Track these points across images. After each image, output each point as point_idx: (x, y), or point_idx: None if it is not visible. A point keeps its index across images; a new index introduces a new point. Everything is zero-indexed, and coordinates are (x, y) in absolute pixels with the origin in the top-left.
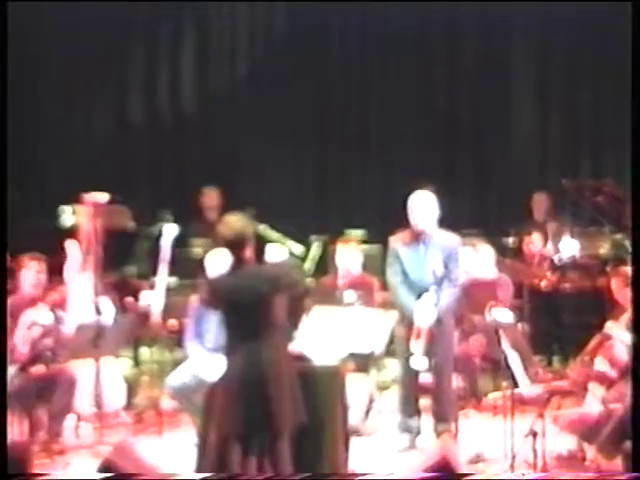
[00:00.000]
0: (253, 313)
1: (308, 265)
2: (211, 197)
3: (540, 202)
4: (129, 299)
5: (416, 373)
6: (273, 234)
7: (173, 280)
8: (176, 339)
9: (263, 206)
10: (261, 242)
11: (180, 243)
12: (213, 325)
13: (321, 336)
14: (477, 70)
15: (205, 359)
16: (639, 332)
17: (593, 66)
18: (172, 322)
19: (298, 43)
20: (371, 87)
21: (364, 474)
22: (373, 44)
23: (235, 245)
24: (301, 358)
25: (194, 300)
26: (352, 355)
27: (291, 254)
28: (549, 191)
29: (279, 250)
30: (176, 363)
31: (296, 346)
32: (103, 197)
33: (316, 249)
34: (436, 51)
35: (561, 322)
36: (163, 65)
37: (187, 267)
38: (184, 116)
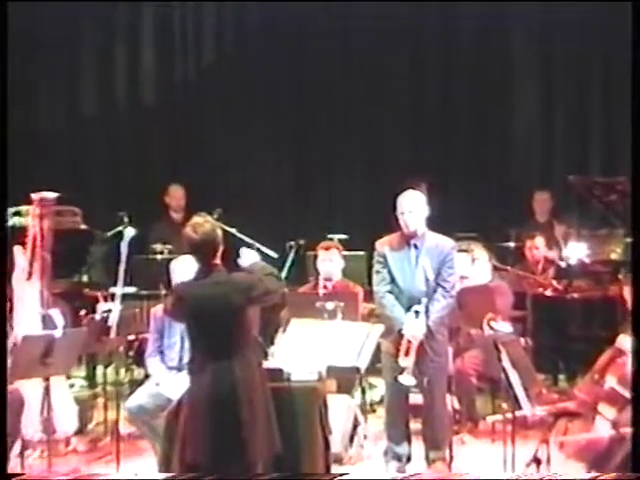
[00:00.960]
0: (223, 326)
1: (284, 273)
2: (176, 196)
3: (543, 201)
4: (82, 311)
5: (405, 393)
6: (245, 238)
7: (132, 290)
8: (135, 356)
9: (234, 207)
10: (232, 247)
11: (140, 248)
12: (177, 340)
13: (299, 352)
14: (474, 62)
15: (168, 378)
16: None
17: (596, 59)
18: (131, 337)
19: (272, 35)
20: (356, 81)
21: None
22: (358, 36)
23: (203, 250)
24: (276, 377)
25: (156, 312)
26: (334, 373)
27: (265, 260)
28: (553, 189)
29: (252, 256)
30: (135, 383)
31: (271, 363)
32: (51, 196)
33: (293, 255)
34: (430, 43)
35: (568, 336)
36: (120, 56)
37: (148, 275)
38: (144, 109)
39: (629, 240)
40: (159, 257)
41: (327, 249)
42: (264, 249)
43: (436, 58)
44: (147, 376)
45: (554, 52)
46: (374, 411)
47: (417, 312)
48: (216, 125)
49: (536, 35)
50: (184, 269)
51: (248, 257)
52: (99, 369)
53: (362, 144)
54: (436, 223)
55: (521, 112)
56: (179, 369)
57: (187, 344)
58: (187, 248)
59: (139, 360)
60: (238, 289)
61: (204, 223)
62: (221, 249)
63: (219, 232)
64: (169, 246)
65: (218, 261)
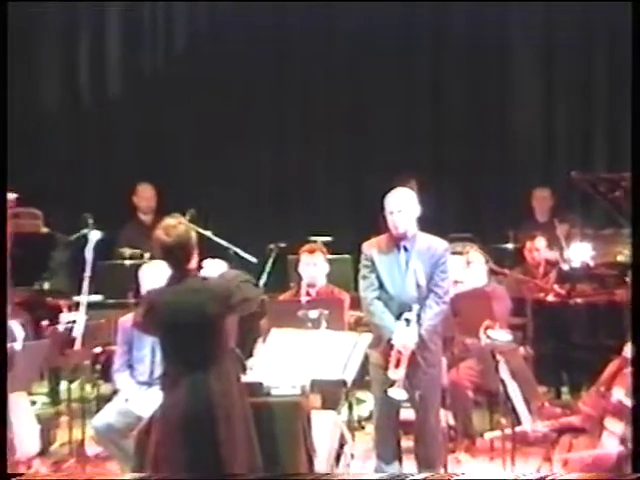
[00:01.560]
0: (198, 337)
1: (264, 278)
2: (145, 196)
3: (544, 199)
4: (44, 322)
5: (396, 409)
6: (221, 241)
7: (98, 298)
8: (102, 370)
9: (209, 208)
10: (207, 251)
11: (107, 253)
12: (148, 353)
13: (280, 364)
14: (469, 54)
15: (138, 394)
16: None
17: (599, 50)
18: (97, 350)
19: (248, 29)
20: (339, 74)
21: None
22: (342, 28)
23: (176, 255)
24: (256, 392)
25: (124, 322)
26: (318, 388)
27: (243, 266)
28: (554, 186)
29: (218, 266)
30: (102, 400)
31: (250, 377)
32: (9, 197)
33: (274, 259)
34: (422, 35)
35: (571, 344)
36: (84, 50)
37: (115, 282)
38: (111, 103)
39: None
40: (127, 262)
41: (310, 252)
42: (242, 253)
43: (428, 50)
44: (115, 392)
45: (553, 44)
46: (362, 428)
47: (408, 320)
48: (189, 121)
49: (536, 26)
50: (155, 275)
51: (214, 268)
52: (63, 385)
53: (348, 140)
54: (428, 223)
55: (520, 105)
56: (150, 384)
57: (158, 357)
58: (158, 252)
59: (106, 375)
60: (215, 296)
61: (177, 225)
62: (196, 253)
63: (193, 235)
64: (138, 250)
65: (192, 266)
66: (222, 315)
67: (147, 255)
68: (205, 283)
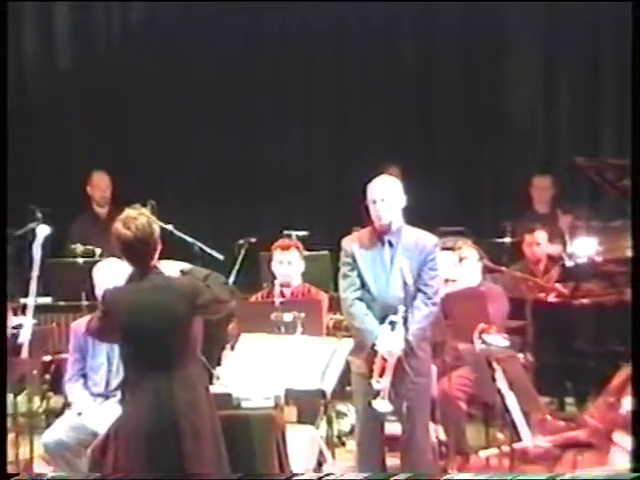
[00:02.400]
0: (162, 340)
1: (232, 277)
2: (100, 186)
3: (544, 188)
4: None
5: (380, 422)
6: (184, 236)
7: (47, 300)
8: (52, 381)
9: (170, 199)
10: (168, 247)
11: (57, 249)
12: (104, 361)
13: (251, 373)
14: (460, 37)
15: (92, 408)
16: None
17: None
18: (46, 358)
19: (219, 11)
20: (317, 58)
21: None
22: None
23: (137, 250)
24: (224, 404)
25: (77, 327)
26: (293, 399)
27: (209, 263)
28: (556, 173)
29: (193, 258)
30: (52, 414)
31: (217, 388)
32: None
33: (243, 256)
34: (411, 17)
35: (576, 350)
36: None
37: (67, 282)
38: (62, 83)
39: None
40: (80, 260)
41: (284, 249)
42: (207, 249)
43: (418, 33)
44: (67, 405)
45: (549, 27)
46: (343, 444)
47: (393, 323)
48: (148, 105)
49: (533, 10)
50: (111, 274)
51: (171, 269)
52: (8, 397)
53: (326, 123)
54: (415, 215)
55: (517, 85)
56: (106, 396)
57: (115, 365)
58: (117, 248)
59: (57, 386)
60: (181, 295)
61: (138, 217)
62: (158, 249)
63: (156, 228)
64: (92, 247)
65: (155, 263)
66: (189, 316)
67: (99, 252)
68: (170, 281)
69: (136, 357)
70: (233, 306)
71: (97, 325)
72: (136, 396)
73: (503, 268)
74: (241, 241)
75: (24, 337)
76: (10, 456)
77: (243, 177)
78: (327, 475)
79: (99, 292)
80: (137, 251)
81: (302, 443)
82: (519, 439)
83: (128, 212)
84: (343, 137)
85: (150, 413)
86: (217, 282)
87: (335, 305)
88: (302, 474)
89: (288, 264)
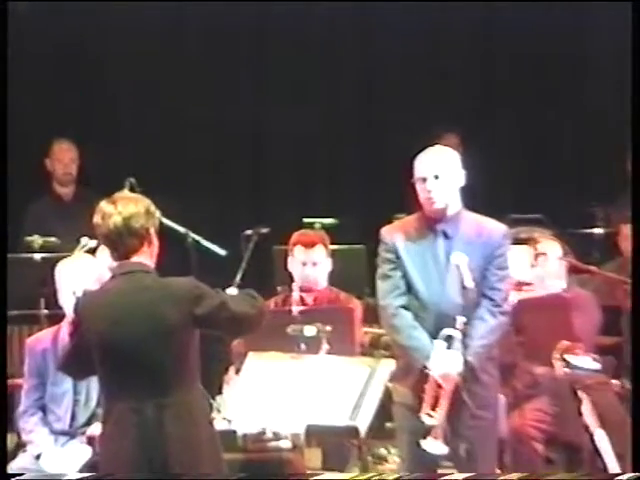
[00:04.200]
0: (153, 355)
1: (238, 278)
2: (63, 159)
3: None
4: None
5: (432, 468)
6: (176, 227)
7: None
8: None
9: (157, 178)
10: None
11: (8, 242)
12: (69, 388)
13: (261, 405)
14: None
15: (54, 449)
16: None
17: None
18: None
19: None
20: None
21: None
22: None
23: (126, 238)
24: (227, 443)
25: (34, 344)
26: (317, 438)
27: (207, 260)
28: None
29: (187, 252)
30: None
31: (219, 421)
32: None
33: (252, 251)
34: None
35: None
36: None
37: (21, 285)
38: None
39: None
40: (37, 256)
41: (308, 245)
42: (205, 242)
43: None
44: (21, 445)
45: None
46: None
47: (450, 339)
48: (124, 64)
49: None
50: (80, 274)
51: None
52: None
53: (358, 79)
54: (478, 199)
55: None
56: (71, 434)
57: (83, 394)
58: (102, 234)
59: (8, 420)
60: (178, 297)
61: (133, 198)
62: (156, 241)
63: (155, 214)
64: (53, 238)
65: (148, 258)
66: (188, 325)
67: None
68: (165, 280)
69: (118, 380)
70: (258, 326)
71: (71, 352)
72: (117, 432)
73: (592, 268)
74: (249, 232)
75: None
76: None
77: (254, 151)
78: None
79: (63, 298)
80: (125, 241)
81: None
82: None
83: (119, 194)
84: (382, 100)
85: (135, 455)
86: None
87: (372, 315)
88: None
89: (313, 265)
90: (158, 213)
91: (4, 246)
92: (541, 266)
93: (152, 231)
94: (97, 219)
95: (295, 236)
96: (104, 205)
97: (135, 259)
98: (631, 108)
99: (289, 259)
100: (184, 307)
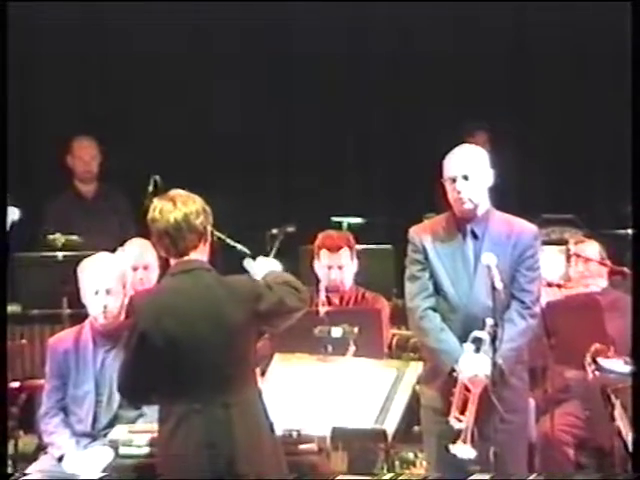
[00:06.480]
0: (215, 360)
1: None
2: (84, 157)
3: None
4: None
5: (461, 473)
6: None
7: (16, 308)
8: (22, 415)
9: (180, 174)
10: None
11: (30, 240)
12: (91, 388)
13: (287, 407)
14: None
15: (76, 452)
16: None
17: None
18: (14, 384)
19: None
20: None
21: None
22: None
23: (185, 235)
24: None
25: (56, 344)
26: (343, 441)
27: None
28: None
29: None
30: (23, 459)
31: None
32: None
33: (277, 251)
34: None
35: None
36: None
37: (43, 284)
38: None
39: None
40: (60, 255)
41: (333, 249)
42: (229, 241)
43: None
44: (42, 447)
45: None
46: None
47: (479, 341)
48: (151, 62)
49: None
50: (103, 271)
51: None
52: None
53: (386, 74)
54: (508, 198)
55: None
56: (93, 436)
57: (106, 395)
58: (159, 229)
59: (29, 422)
60: (241, 295)
61: (187, 194)
62: (209, 239)
63: (209, 215)
64: (75, 236)
65: (205, 256)
66: (250, 323)
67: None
68: (224, 279)
69: (180, 381)
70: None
71: (132, 363)
72: (180, 434)
73: (626, 269)
74: (275, 231)
75: None
76: None
77: (279, 149)
78: None
79: (86, 297)
80: (184, 238)
81: None
82: None
83: (176, 190)
84: (411, 98)
85: (200, 454)
86: (280, 281)
87: (399, 317)
88: None
89: (338, 269)
90: None
91: (4, 246)
92: (573, 267)
93: (209, 229)
94: (154, 214)
95: (320, 239)
96: (161, 201)
97: (193, 256)
98: (632, 110)
99: (315, 262)
100: (248, 305)
